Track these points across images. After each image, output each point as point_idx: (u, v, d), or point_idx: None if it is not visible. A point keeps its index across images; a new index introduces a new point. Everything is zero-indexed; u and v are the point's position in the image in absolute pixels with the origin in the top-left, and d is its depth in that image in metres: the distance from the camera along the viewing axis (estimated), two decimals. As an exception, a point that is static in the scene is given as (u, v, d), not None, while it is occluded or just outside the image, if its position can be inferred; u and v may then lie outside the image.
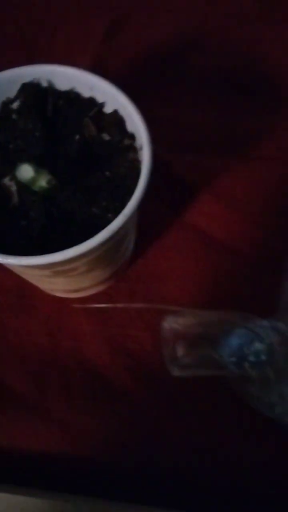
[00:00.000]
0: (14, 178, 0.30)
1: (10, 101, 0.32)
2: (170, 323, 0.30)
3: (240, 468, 0.33)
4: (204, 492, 0.32)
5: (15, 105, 0.32)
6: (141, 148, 0.29)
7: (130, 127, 0.31)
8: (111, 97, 0.31)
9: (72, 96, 0.32)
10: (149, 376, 0.36)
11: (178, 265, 0.39)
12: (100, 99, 0.31)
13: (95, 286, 0.37)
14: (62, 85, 0.32)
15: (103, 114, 0.32)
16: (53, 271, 0.30)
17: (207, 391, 0.35)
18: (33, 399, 0.35)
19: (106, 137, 0.31)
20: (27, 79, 0.31)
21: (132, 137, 0.31)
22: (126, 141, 0.31)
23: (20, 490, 0.31)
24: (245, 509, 0.32)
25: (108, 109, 0.32)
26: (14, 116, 0.32)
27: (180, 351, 0.29)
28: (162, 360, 0.35)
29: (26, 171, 0.28)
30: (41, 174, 0.28)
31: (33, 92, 0.31)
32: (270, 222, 0.39)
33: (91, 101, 0.32)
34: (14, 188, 0.30)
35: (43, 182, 0.28)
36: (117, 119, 0.31)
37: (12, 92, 0.32)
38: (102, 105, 0.31)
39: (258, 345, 0.27)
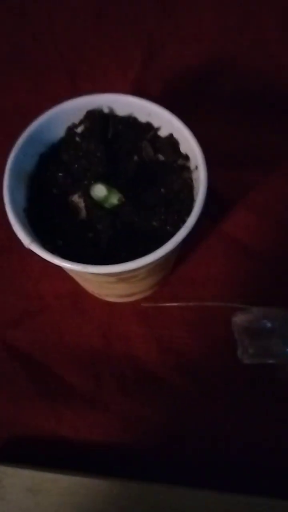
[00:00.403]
0: (82, 195, 0.34)
1: (74, 126, 0.36)
2: (238, 318, 0.34)
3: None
4: (251, 475, 0.36)
5: (79, 129, 0.36)
6: (195, 168, 0.33)
7: (183, 149, 0.35)
8: (167, 122, 0.34)
9: (130, 121, 0.36)
10: (194, 372, 0.39)
11: (216, 271, 0.43)
12: (156, 123, 0.35)
13: (145, 291, 0.40)
14: (121, 111, 0.36)
15: (159, 137, 0.35)
16: (119, 278, 0.34)
17: (247, 387, 0.38)
18: (92, 394, 0.38)
19: (161, 157, 0.35)
20: (91, 107, 0.35)
21: (185, 157, 0.34)
22: (180, 161, 0.35)
23: (86, 474, 0.34)
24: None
25: (163, 133, 0.35)
26: (77, 139, 0.36)
27: (247, 342, 0.33)
28: (206, 357, 0.40)
29: (100, 190, 0.31)
30: (113, 193, 0.32)
31: (96, 117, 0.35)
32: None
33: (148, 126, 0.35)
34: (82, 204, 0.34)
35: (114, 199, 0.32)
36: (171, 141, 0.35)
37: (77, 117, 0.36)
38: (158, 129, 0.35)
39: None
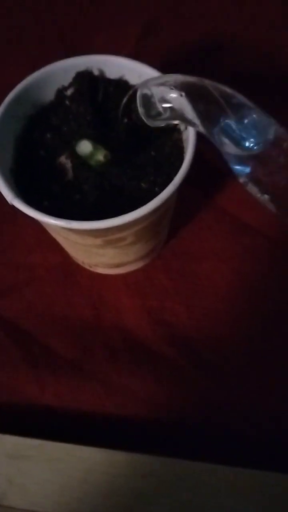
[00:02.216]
0: (69, 156, 0.33)
1: (64, 88, 0.35)
2: None
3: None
4: (237, 446, 0.35)
5: (68, 92, 0.35)
6: (185, 128, 0.33)
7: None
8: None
9: (121, 84, 0.35)
10: (185, 344, 0.38)
11: (210, 245, 0.42)
12: (146, 86, 0.35)
13: (135, 261, 0.40)
14: (112, 73, 0.35)
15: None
16: (104, 240, 0.33)
17: (239, 360, 0.37)
18: (78, 362, 0.38)
19: (151, 120, 0.35)
20: (80, 68, 0.35)
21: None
22: (170, 123, 0.34)
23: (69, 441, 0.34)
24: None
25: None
26: (67, 102, 0.35)
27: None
28: (197, 329, 0.39)
29: (85, 146, 0.31)
30: (99, 149, 0.31)
31: (86, 80, 0.35)
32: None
33: (139, 88, 0.35)
34: (69, 165, 0.33)
35: (100, 156, 0.31)
36: (162, 103, 0.34)
37: (66, 80, 0.35)
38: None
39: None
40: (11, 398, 0.37)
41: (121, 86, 0.35)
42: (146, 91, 0.30)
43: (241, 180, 0.27)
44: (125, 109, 0.34)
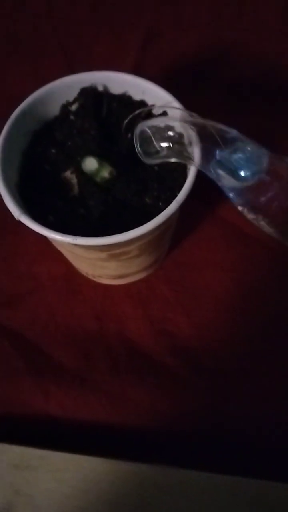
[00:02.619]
0: (74, 171, 0.33)
1: (69, 104, 0.36)
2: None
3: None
4: (242, 456, 0.35)
5: (73, 107, 0.36)
6: (189, 144, 0.33)
7: (177, 127, 0.35)
8: (161, 100, 0.34)
9: (124, 99, 0.36)
10: (187, 354, 0.39)
11: (211, 255, 0.43)
12: (150, 101, 0.35)
13: (138, 272, 0.40)
14: (116, 89, 0.36)
15: (153, 115, 0.35)
16: (109, 254, 0.33)
17: (240, 369, 0.38)
18: (82, 373, 0.38)
19: (155, 135, 0.35)
20: (85, 84, 0.35)
21: (180, 134, 0.34)
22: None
23: (74, 451, 0.34)
24: None
25: (157, 111, 0.35)
26: (71, 117, 0.36)
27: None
28: (199, 339, 0.39)
29: (91, 163, 0.31)
30: (104, 166, 0.32)
31: (90, 95, 0.35)
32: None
33: (142, 104, 0.35)
34: (74, 180, 0.34)
35: (105, 173, 0.32)
36: (165, 119, 0.35)
37: (71, 95, 0.36)
38: (152, 107, 0.35)
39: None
40: (15, 408, 0.37)
41: (125, 101, 0.36)
42: (144, 129, 0.31)
43: (240, 208, 0.28)
44: (128, 126, 0.34)
